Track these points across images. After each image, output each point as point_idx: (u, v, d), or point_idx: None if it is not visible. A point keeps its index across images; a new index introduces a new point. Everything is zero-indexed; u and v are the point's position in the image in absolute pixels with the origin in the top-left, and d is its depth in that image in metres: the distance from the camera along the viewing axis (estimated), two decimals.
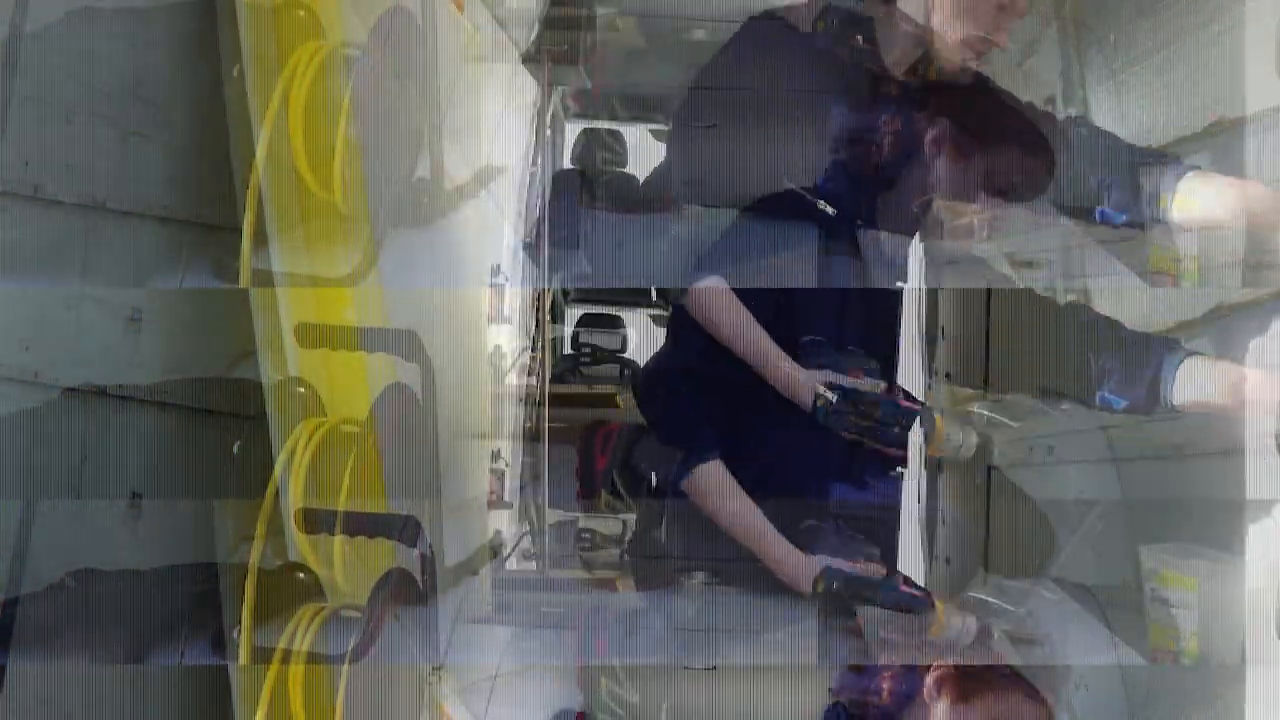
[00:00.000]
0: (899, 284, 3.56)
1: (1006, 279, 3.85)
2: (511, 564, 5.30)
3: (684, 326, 3.32)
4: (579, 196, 5.85)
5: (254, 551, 3.12)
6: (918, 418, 3.26)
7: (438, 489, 3.69)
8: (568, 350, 7.45)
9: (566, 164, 7.81)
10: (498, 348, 5.61)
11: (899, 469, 4.82)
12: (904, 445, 3.31)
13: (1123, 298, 3.11)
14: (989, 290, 3.50)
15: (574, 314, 7.89)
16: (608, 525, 5.37)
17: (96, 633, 3.15)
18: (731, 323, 3.08)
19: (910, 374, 5.14)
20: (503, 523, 5.43)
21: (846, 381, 3.14)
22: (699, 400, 3.26)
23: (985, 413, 4.01)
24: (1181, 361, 2.68)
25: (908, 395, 3.24)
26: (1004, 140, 3.09)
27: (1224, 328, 2.73)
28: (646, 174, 3.92)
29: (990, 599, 3.63)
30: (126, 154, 3.39)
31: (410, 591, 3.31)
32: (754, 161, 3.24)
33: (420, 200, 3.81)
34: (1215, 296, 2.75)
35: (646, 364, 3.72)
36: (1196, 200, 2.73)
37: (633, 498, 3.47)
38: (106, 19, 3.37)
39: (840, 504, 3.31)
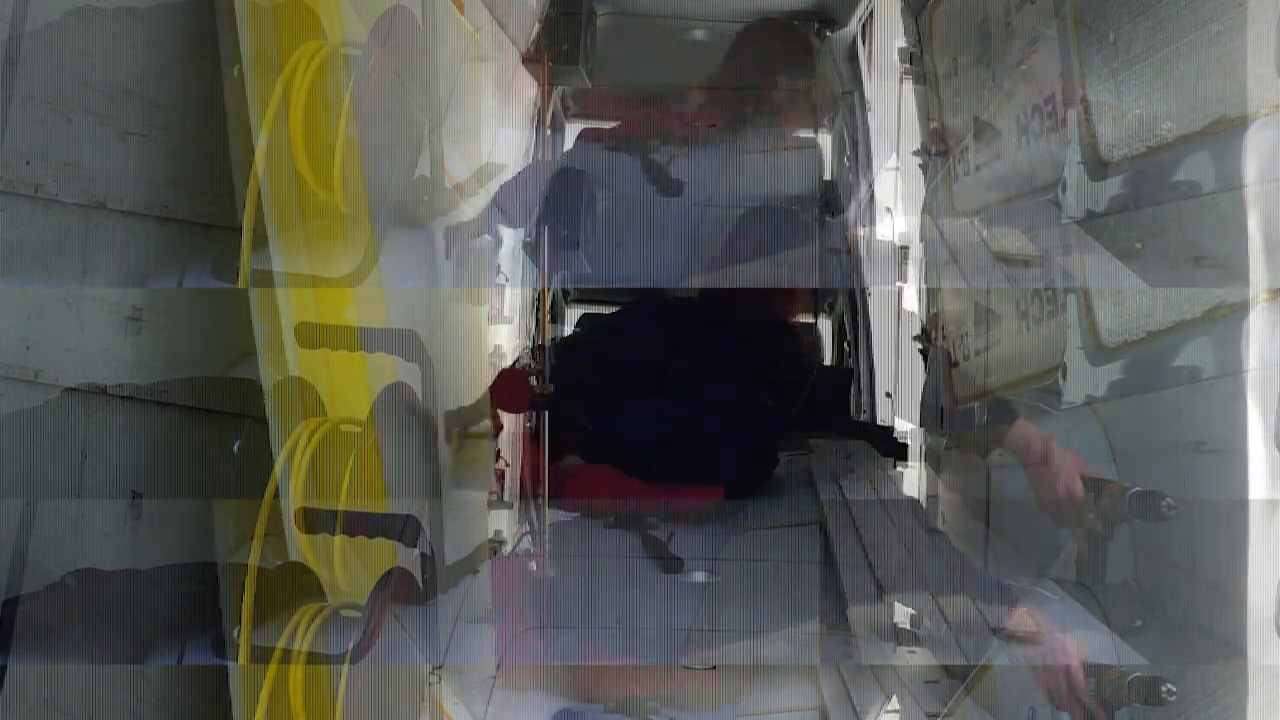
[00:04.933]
0: None
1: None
2: None
3: None
4: (579, 196, 5.85)
5: (253, 551, 3.12)
6: None
7: (438, 489, 3.68)
8: None
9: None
10: (498, 348, 5.61)
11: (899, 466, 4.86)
12: None
13: (1122, 298, 3.11)
14: None
15: (574, 314, 7.89)
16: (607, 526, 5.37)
17: (96, 632, 3.15)
18: None
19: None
20: (503, 523, 5.43)
21: None
22: None
23: (985, 412, 4.01)
24: None
25: None
26: None
27: (1224, 327, 2.73)
28: None
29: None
30: (126, 153, 3.38)
31: (410, 591, 3.31)
32: None
33: (421, 199, 3.80)
34: (1216, 296, 2.75)
35: None
36: None
37: None
38: (106, 19, 3.36)
39: None
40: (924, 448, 4.86)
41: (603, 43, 6.79)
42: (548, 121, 6.86)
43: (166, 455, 3.43)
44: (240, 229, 3.17)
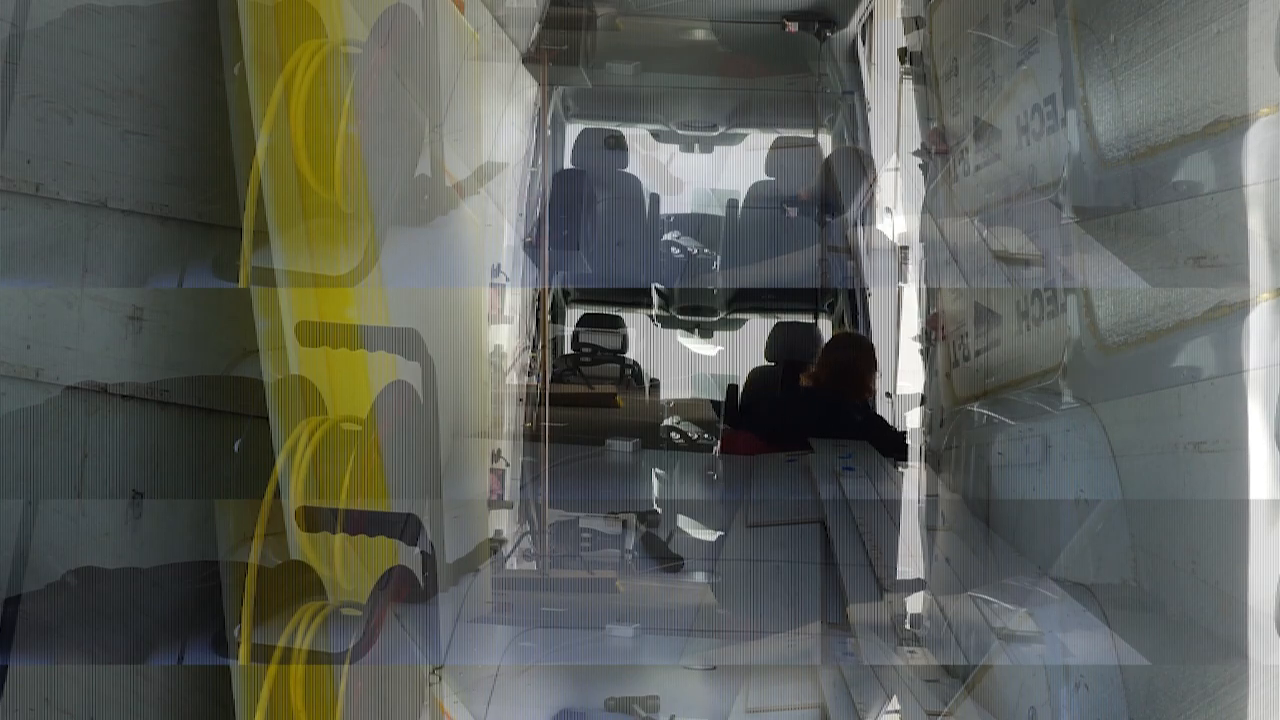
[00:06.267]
0: None
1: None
2: (512, 564, 5.30)
3: None
4: (579, 196, 5.86)
5: (254, 550, 3.12)
6: None
7: (438, 487, 3.69)
8: (568, 350, 7.46)
9: (567, 164, 7.82)
10: (498, 348, 5.62)
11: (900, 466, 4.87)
12: None
13: (1122, 298, 3.11)
14: None
15: (574, 314, 7.90)
16: (608, 525, 5.38)
17: (97, 631, 3.15)
18: None
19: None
20: (503, 522, 5.43)
21: None
22: None
23: (985, 412, 4.00)
24: None
25: None
26: None
27: (1224, 327, 2.73)
28: None
29: (990, 599, 3.63)
30: (127, 153, 3.39)
31: (411, 590, 3.31)
32: None
33: (421, 198, 3.81)
34: (1216, 296, 2.74)
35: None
36: None
37: None
38: (107, 18, 3.37)
39: None
40: (924, 448, 4.86)
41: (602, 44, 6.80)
42: (548, 121, 6.86)
43: (167, 454, 3.43)
44: (241, 228, 3.17)
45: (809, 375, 5.76)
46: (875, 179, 6.75)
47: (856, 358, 5.86)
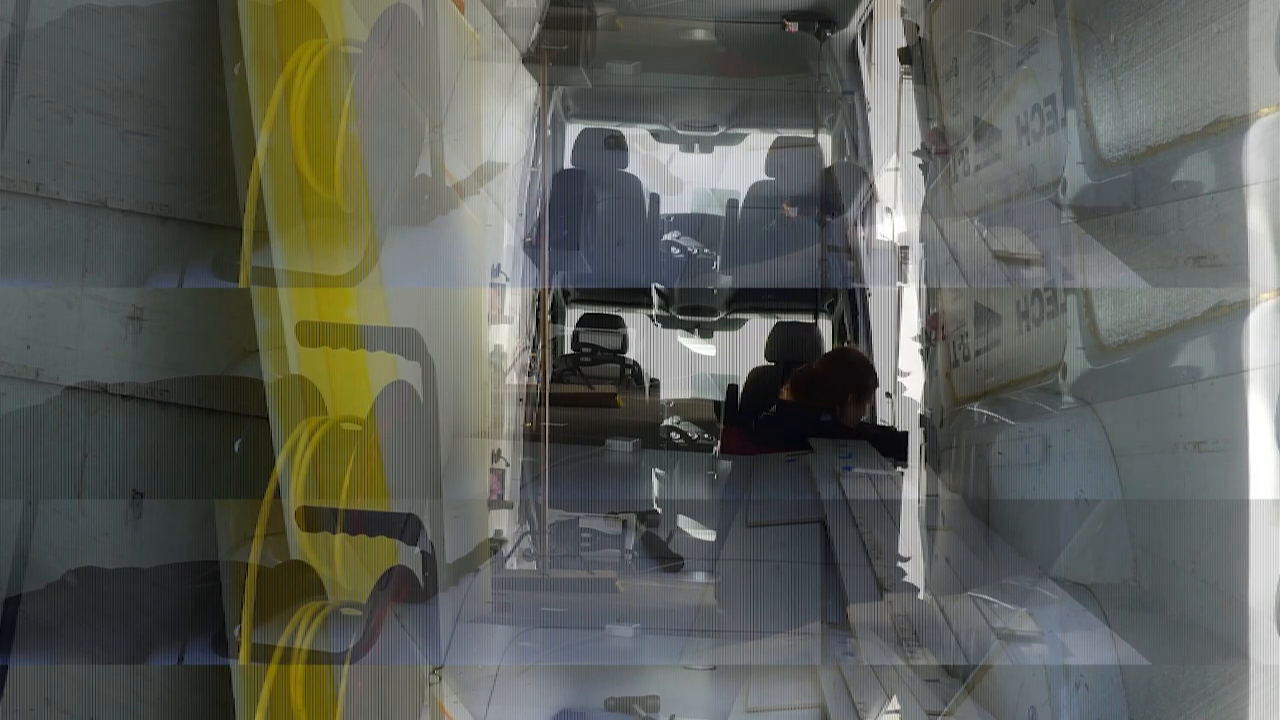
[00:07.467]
0: None
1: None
2: (512, 564, 5.30)
3: None
4: (579, 196, 5.86)
5: (254, 550, 3.12)
6: None
7: (438, 487, 3.69)
8: (568, 350, 7.46)
9: (567, 164, 7.83)
10: (498, 347, 5.62)
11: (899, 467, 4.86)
12: None
13: (1122, 298, 3.12)
14: None
15: (574, 314, 7.90)
16: (608, 525, 5.38)
17: (98, 631, 3.15)
18: None
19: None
20: (503, 522, 5.44)
21: None
22: None
23: (985, 411, 4.01)
24: None
25: None
26: None
27: (1224, 327, 2.73)
28: None
29: (990, 599, 3.63)
30: (127, 153, 3.39)
31: (411, 589, 3.31)
32: None
33: (421, 198, 3.81)
34: (1215, 296, 2.75)
35: None
36: None
37: None
38: (108, 18, 3.37)
39: None
40: (924, 448, 4.86)
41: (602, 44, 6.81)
42: (548, 121, 6.87)
43: (167, 454, 3.43)
44: (241, 228, 3.18)
45: (803, 380, 5.40)
46: (874, 184, 6.74)
47: (856, 381, 5.35)
